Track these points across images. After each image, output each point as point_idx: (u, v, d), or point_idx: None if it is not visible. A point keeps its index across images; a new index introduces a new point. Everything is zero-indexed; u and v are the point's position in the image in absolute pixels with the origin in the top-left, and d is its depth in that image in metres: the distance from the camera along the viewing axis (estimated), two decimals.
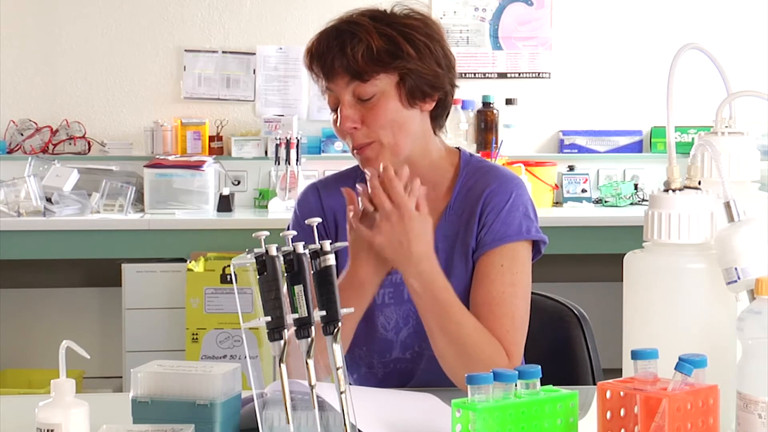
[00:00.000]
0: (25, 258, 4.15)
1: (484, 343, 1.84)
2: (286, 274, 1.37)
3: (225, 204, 4.26)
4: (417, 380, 1.98)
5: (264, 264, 1.35)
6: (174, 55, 4.57)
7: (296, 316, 1.36)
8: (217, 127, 4.56)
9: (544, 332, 2.20)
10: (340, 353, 1.37)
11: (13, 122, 4.49)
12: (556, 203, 4.52)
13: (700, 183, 1.48)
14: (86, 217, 4.10)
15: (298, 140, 4.35)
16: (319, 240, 1.40)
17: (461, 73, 4.57)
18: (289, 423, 1.34)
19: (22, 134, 4.49)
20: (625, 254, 1.51)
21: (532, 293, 2.22)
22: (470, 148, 4.49)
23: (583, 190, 4.53)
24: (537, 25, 4.65)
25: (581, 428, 1.32)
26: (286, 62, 4.52)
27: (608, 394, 1.30)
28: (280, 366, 1.33)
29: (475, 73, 4.65)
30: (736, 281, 1.40)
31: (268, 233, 1.37)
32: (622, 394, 1.30)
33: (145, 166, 4.29)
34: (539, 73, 4.66)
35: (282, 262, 1.36)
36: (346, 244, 1.48)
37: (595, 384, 2.04)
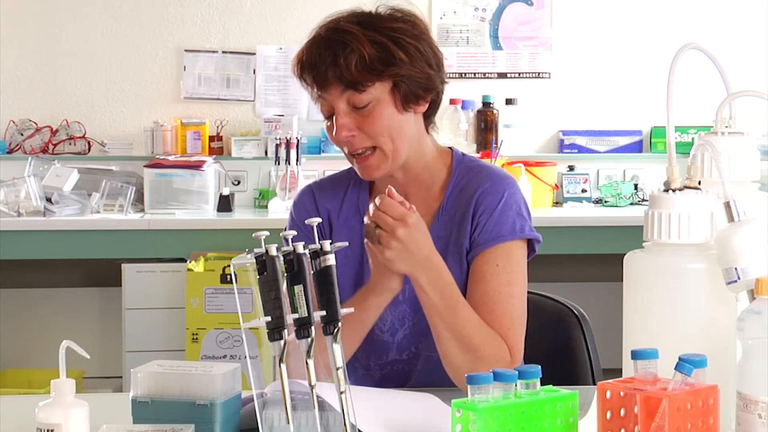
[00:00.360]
0: (25, 258, 4.15)
1: (488, 340, 1.84)
2: (286, 274, 1.37)
3: (225, 204, 4.26)
4: (414, 381, 1.99)
5: (264, 264, 1.35)
6: (174, 55, 4.57)
7: (296, 316, 1.36)
8: (217, 127, 4.56)
9: (544, 332, 2.20)
10: (340, 353, 1.37)
11: (13, 122, 4.49)
12: (556, 203, 4.52)
13: (700, 183, 1.48)
14: (86, 217, 4.10)
15: (298, 140, 4.35)
16: (313, 241, 1.40)
17: (461, 73, 4.61)
18: (289, 423, 1.34)
19: (22, 134, 4.49)
20: (625, 254, 1.51)
21: (533, 293, 2.22)
22: (470, 148, 4.50)
23: (583, 190, 4.53)
24: (537, 25, 4.65)
25: (581, 428, 1.32)
26: (286, 62, 4.51)
27: (608, 394, 1.30)
28: (280, 366, 1.33)
29: (475, 73, 4.64)
30: (736, 281, 1.40)
31: (268, 233, 1.37)
32: (622, 394, 1.30)
33: (145, 166, 4.29)
34: (539, 73, 4.66)
35: (282, 262, 1.36)
36: (346, 244, 1.48)
37: (595, 384, 2.04)
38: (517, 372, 1.28)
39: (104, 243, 4.03)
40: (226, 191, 4.30)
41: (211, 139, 4.54)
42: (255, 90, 4.58)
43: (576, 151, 4.62)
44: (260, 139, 4.50)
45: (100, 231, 4.04)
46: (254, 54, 4.57)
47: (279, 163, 4.35)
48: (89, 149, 4.51)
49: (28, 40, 4.51)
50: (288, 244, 1.38)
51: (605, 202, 4.45)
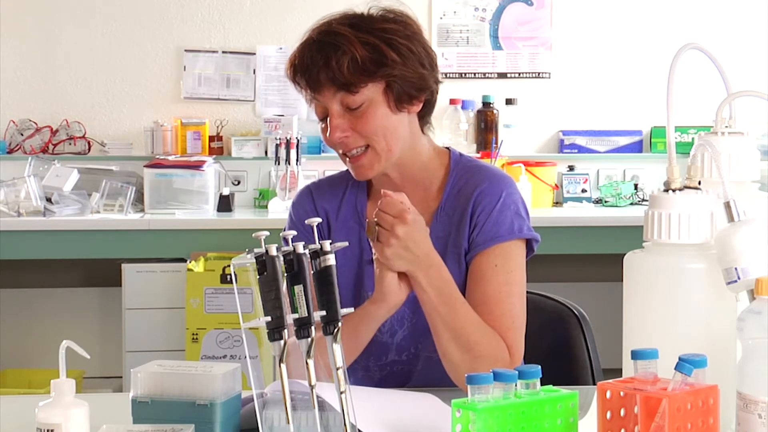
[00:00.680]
0: (25, 258, 4.15)
1: (487, 340, 1.84)
2: (286, 274, 1.37)
3: (225, 204, 4.26)
4: (414, 382, 1.99)
5: (264, 264, 1.35)
6: (174, 55, 4.57)
7: (296, 316, 1.36)
8: (217, 127, 4.57)
9: (544, 332, 2.20)
10: (340, 353, 1.37)
11: (13, 122, 4.49)
12: (556, 203, 4.52)
13: (700, 183, 1.48)
14: (86, 217, 4.10)
15: (298, 140, 4.36)
16: (312, 241, 1.40)
17: (461, 73, 4.61)
18: (289, 423, 1.34)
19: (22, 134, 4.49)
20: (625, 254, 1.51)
21: (533, 293, 2.22)
22: (470, 148, 4.50)
23: (583, 190, 4.53)
24: (537, 25, 4.65)
25: (581, 428, 1.32)
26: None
27: (608, 394, 1.30)
28: (280, 366, 1.33)
29: (475, 73, 4.64)
30: (736, 281, 1.40)
31: (268, 233, 1.37)
32: (622, 394, 1.30)
33: (145, 166, 4.29)
34: (539, 73, 4.66)
35: (282, 262, 1.36)
36: (345, 244, 1.48)
37: (595, 384, 2.04)
38: (517, 372, 1.28)
39: (104, 243, 4.03)
40: (226, 191, 4.30)
41: (211, 139, 4.54)
42: (255, 90, 4.59)
43: (576, 151, 4.62)
44: (260, 139, 4.50)
45: (100, 231, 4.04)
46: (254, 54, 4.57)
47: (279, 163, 4.35)
48: (89, 149, 4.51)
49: (28, 40, 4.51)
50: (288, 244, 1.38)
51: (605, 202, 4.45)
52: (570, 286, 4.13)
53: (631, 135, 4.66)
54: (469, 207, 1.94)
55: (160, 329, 3.97)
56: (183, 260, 3.98)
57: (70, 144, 4.51)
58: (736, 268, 1.40)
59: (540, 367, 1.30)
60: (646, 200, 3.96)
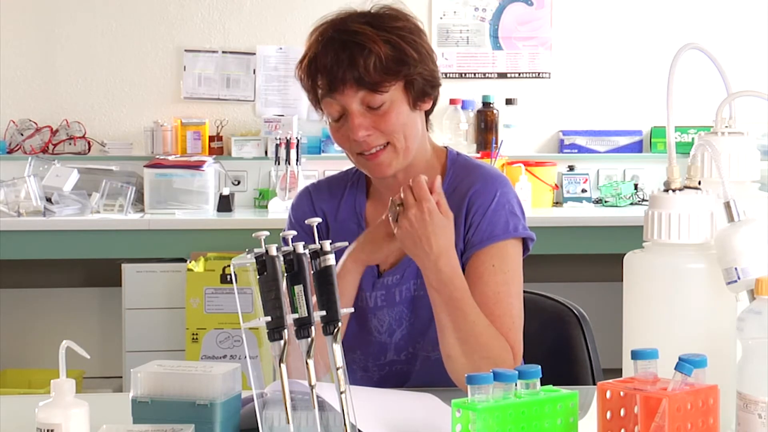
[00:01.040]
0: (25, 258, 4.15)
1: (493, 342, 1.84)
2: (286, 274, 1.37)
3: (225, 204, 4.26)
4: (413, 381, 1.99)
5: (264, 264, 1.35)
6: (174, 55, 4.57)
7: (296, 316, 1.36)
8: (217, 127, 4.56)
9: (544, 332, 2.20)
10: (340, 353, 1.37)
11: (13, 122, 4.49)
12: (556, 203, 4.52)
13: (700, 183, 1.48)
14: (86, 217, 4.10)
15: (298, 140, 4.35)
16: (312, 242, 1.40)
17: (461, 73, 4.61)
18: (289, 423, 1.34)
19: (22, 134, 4.49)
20: (625, 254, 1.51)
21: (533, 293, 2.22)
22: (470, 148, 4.50)
23: (583, 190, 4.53)
24: (537, 25, 4.65)
25: (581, 428, 1.32)
26: (286, 62, 4.52)
27: (608, 394, 1.30)
28: (280, 366, 1.33)
29: (475, 73, 4.64)
30: (736, 281, 1.40)
31: (268, 233, 1.37)
32: (622, 394, 1.30)
33: (145, 166, 4.29)
34: (539, 73, 4.66)
35: (282, 262, 1.36)
36: (345, 244, 1.48)
37: (595, 384, 2.04)
38: (517, 372, 1.28)
39: (104, 243, 4.03)
40: (226, 191, 4.30)
41: (211, 139, 4.54)
42: (255, 90, 4.58)
43: (576, 151, 4.62)
44: (260, 139, 4.50)
45: (100, 231, 4.04)
46: (254, 54, 4.57)
47: (279, 163, 4.35)
48: (89, 149, 4.51)
49: (28, 40, 4.51)
50: (288, 245, 1.38)
51: (605, 202, 4.45)
52: (570, 286, 4.13)
53: (631, 135, 4.66)
54: (463, 207, 1.94)
55: (160, 329, 3.97)
56: (183, 260, 3.98)
57: (70, 144, 4.51)
58: (736, 268, 1.40)
59: (540, 367, 1.30)
60: (646, 200, 3.96)
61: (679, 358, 1.26)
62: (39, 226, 4.00)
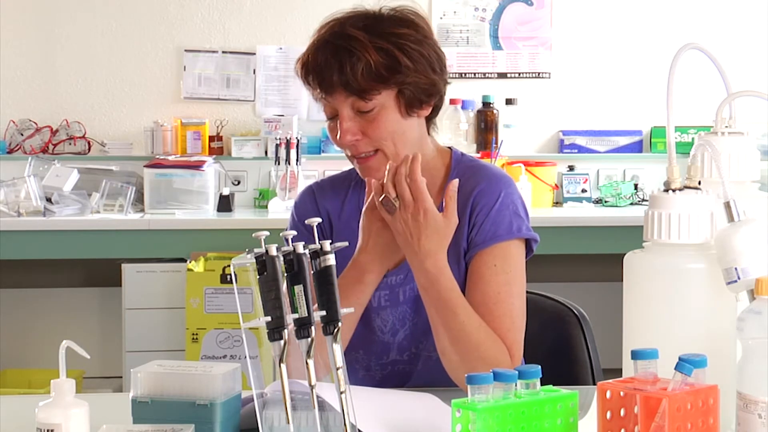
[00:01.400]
0: (25, 258, 4.15)
1: (488, 342, 1.84)
2: (286, 274, 1.37)
3: (225, 204, 4.26)
4: (414, 381, 1.99)
5: (264, 264, 1.35)
6: (174, 55, 4.57)
7: (296, 316, 1.36)
8: (217, 127, 4.56)
9: (544, 332, 2.20)
10: (340, 353, 1.37)
11: (13, 122, 4.49)
12: (556, 203, 4.52)
13: (700, 183, 1.48)
14: (86, 217, 4.10)
15: (298, 140, 4.35)
16: (313, 241, 1.40)
17: (461, 73, 4.61)
18: (289, 423, 1.34)
19: (22, 134, 4.49)
20: (625, 254, 1.51)
21: (533, 293, 2.22)
22: (470, 148, 4.50)
23: (583, 190, 4.53)
24: (537, 25, 4.65)
25: (581, 428, 1.32)
26: (286, 62, 4.52)
27: (608, 394, 1.30)
28: (280, 366, 1.33)
29: (475, 73, 4.64)
30: (736, 281, 1.40)
31: (268, 233, 1.37)
32: (622, 394, 1.30)
33: (145, 166, 4.29)
34: (539, 73, 4.66)
35: (282, 262, 1.36)
36: (345, 244, 1.48)
37: (595, 384, 2.04)
38: (517, 372, 1.28)
39: (104, 243, 4.03)
40: (226, 191, 4.30)
41: (211, 139, 4.54)
42: (255, 90, 4.58)
43: (576, 151, 4.62)
44: (260, 139, 4.50)
45: (100, 231, 4.04)
46: (254, 54, 4.57)
47: (279, 163, 4.35)
48: (89, 149, 4.51)
49: (28, 40, 4.51)
50: (288, 244, 1.38)
51: (605, 202, 4.45)
52: (570, 286, 4.13)
53: (631, 135, 4.66)
54: (467, 207, 1.94)
55: (160, 329, 3.97)
56: (183, 260, 3.98)
57: (70, 144, 4.51)
58: (736, 268, 1.40)
59: (540, 367, 1.30)
60: (646, 200, 3.96)
61: (679, 358, 1.26)
62: (39, 226, 4.00)
